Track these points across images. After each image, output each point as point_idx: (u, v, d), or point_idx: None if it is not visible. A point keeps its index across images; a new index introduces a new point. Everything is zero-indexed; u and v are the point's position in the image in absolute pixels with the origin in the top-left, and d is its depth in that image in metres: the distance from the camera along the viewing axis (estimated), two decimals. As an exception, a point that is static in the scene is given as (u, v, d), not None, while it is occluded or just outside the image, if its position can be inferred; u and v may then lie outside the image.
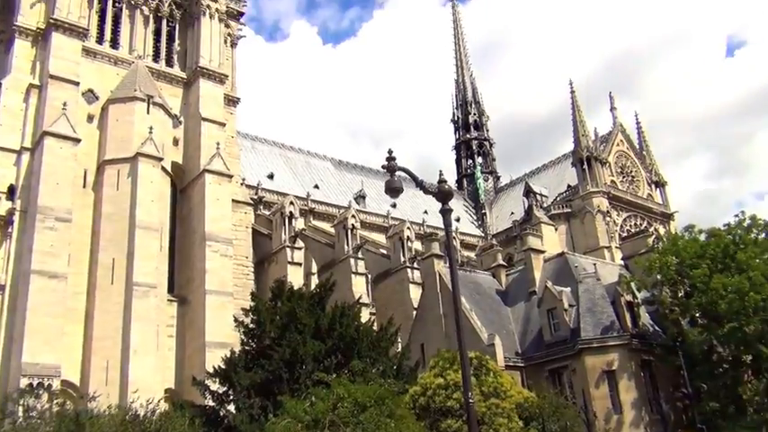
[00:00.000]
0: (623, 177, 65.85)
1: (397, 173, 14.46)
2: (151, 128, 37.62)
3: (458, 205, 68.12)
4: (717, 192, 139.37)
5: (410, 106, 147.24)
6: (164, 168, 38.47)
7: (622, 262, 42.29)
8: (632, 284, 33.43)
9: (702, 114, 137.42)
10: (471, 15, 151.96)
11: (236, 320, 28.87)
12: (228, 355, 24.58)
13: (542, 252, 39.20)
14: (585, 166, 61.43)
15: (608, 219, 59.70)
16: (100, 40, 40.39)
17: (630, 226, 61.87)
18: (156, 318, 34.75)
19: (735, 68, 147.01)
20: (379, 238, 52.17)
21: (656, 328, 33.67)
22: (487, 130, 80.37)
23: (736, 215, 34.01)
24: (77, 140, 35.54)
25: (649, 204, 65.97)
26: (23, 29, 37.74)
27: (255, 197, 49.16)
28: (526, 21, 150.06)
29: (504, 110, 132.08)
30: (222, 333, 34.69)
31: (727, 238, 32.53)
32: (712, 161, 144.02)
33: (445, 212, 14.40)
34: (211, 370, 24.62)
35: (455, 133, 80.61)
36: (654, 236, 45.69)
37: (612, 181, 63.70)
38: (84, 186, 36.56)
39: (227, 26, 45.45)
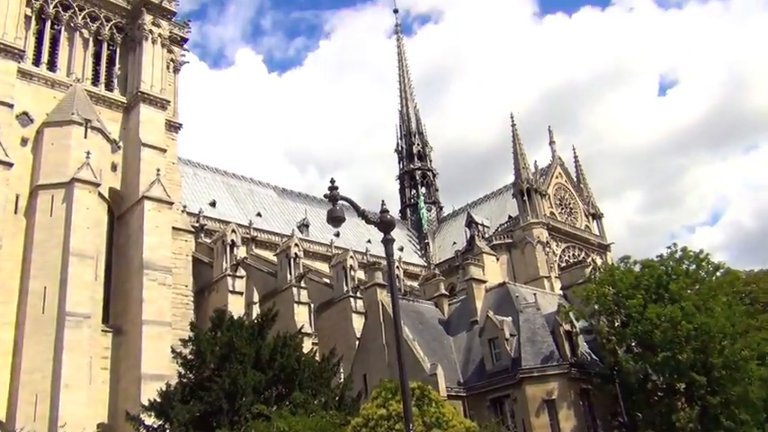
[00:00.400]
0: (562, 209, 67.55)
1: (340, 202, 14.47)
2: (88, 152, 36.59)
3: (401, 235, 68.45)
4: (651, 224, 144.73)
5: (356, 136, 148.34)
6: (101, 194, 37.40)
7: (561, 292, 43.05)
8: (571, 314, 34.02)
9: (638, 149, 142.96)
10: (417, 48, 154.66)
11: (173, 351, 28.19)
12: (165, 388, 23.81)
13: (484, 282, 39.61)
14: (526, 198, 62.79)
15: (548, 249, 61.00)
16: (37, 61, 39.29)
17: (569, 256, 63.31)
18: (89, 349, 33.44)
19: (667, 106, 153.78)
20: (323, 267, 51.84)
21: (594, 357, 34.26)
22: (431, 161, 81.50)
23: (669, 247, 35.29)
24: (10, 164, 34.29)
25: (587, 236, 67.78)
26: (-45, 48, 36.46)
27: (197, 225, 48.33)
28: (470, 54, 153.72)
29: (448, 141, 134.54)
30: (159, 365, 33.69)
31: (660, 269, 33.57)
32: (647, 194, 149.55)
33: (387, 242, 14.43)
34: (147, 403, 23.80)
35: (399, 163, 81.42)
36: (591, 266, 46.72)
37: (552, 212, 65.24)
38: (16, 212, 35.18)
39: (170, 51, 44.90)
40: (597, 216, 70.59)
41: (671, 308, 30.18)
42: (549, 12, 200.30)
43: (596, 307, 33.62)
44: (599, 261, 63.56)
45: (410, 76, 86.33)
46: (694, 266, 34.47)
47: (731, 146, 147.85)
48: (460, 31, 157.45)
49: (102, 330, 36.09)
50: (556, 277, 55.68)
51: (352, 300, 42.00)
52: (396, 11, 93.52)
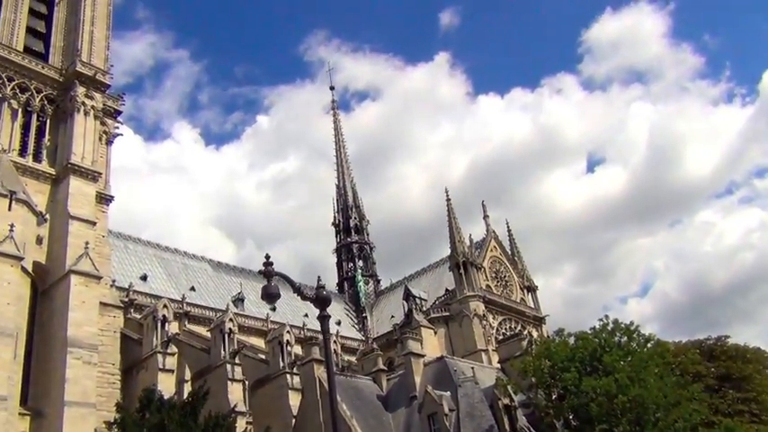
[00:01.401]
0: (498, 282, 68.43)
1: (276, 277, 14.28)
2: (12, 225, 35.08)
3: (339, 308, 67.77)
4: (585, 296, 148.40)
5: (294, 209, 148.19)
6: (24, 269, 35.77)
7: (499, 365, 43.14)
8: (509, 388, 34.01)
9: (570, 224, 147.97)
10: (355, 124, 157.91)
11: None
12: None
13: (422, 356, 39.41)
14: (462, 271, 63.42)
15: (484, 322, 61.34)
16: (-40, 131, 38.08)
17: (506, 329, 63.80)
18: (4, 434, 31.29)
19: (595, 183, 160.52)
20: (259, 342, 50.52)
21: (533, 431, 34.13)
22: (368, 234, 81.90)
23: (601, 319, 35.99)
24: (-75, 238, 32.61)
25: (522, 308, 68.62)
26: None
27: (126, 300, 46.62)
28: (407, 130, 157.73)
29: (386, 215, 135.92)
30: (81, 450, 31.81)
31: (594, 341, 34.11)
32: (580, 267, 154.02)
33: (323, 319, 14.24)
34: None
35: (336, 237, 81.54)
36: (527, 339, 47.15)
37: (488, 285, 65.99)
38: (-70, 287, 33.26)
39: (103, 123, 44.16)
40: (532, 289, 71.78)
41: (606, 380, 30.54)
42: (482, 92, 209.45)
43: (533, 380, 33.77)
44: (535, 333, 64.28)
45: (347, 152, 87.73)
46: (626, 338, 35.18)
47: (657, 220, 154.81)
48: (397, 108, 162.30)
49: (20, 413, 33.78)
50: (493, 350, 55.92)
51: (288, 376, 40.80)
52: (332, 88, 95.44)
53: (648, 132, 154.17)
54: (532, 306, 70.44)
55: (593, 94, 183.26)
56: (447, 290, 65.78)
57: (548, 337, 44.67)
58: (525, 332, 61.24)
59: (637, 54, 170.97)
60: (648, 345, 36.42)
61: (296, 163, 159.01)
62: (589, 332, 35.33)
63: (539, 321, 69.16)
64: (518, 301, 69.17)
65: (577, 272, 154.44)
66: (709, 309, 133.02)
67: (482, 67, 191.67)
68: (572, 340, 35.28)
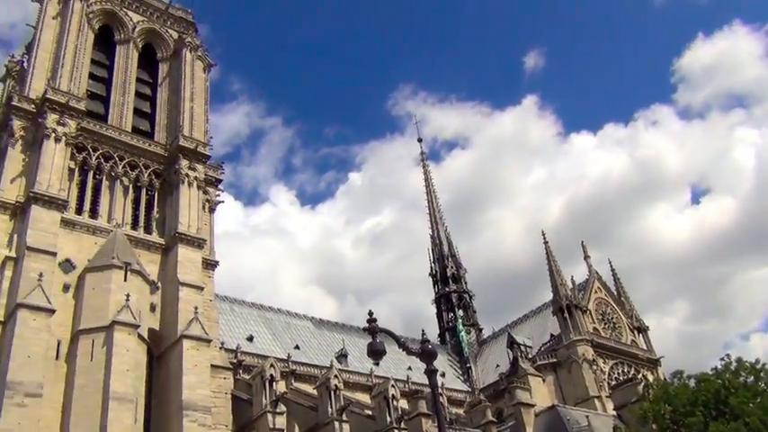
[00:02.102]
0: (605, 324, 65.71)
1: (379, 333, 14.30)
2: (128, 295, 37.03)
3: (442, 360, 66.84)
4: (702, 334, 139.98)
5: (392, 261, 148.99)
6: (140, 336, 37.43)
7: (614, 412, 41.12)
8: (628, 436, 32.29)
9: (678, 259, 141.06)
10: (446, 173, 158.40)
11: None
12: None
13: (532, 406, 38.21)
14: (566, 315, 61.41)
15: (595, 367, 58.81)
16: (79, 210, 40.83)
17: (618, 373, 60.89)
18: (126, 498, 32.32)
19: (702, 214, 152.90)
20: (364, 397, 50.39)
21: (657, 481, 32.11)
22: (466, 283, 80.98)
23: (722, 358, 33.67)
24: (52, 311, 34.76)
25: (634, 350, 65.40)
26: (2, 203, 38.14)
27: (235, 361, 47.78)
28: (499, 175, 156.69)
29: (482, 262, 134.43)
30: None
31: (717, 382, 31.95)
32: (694, 304, 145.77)
33: (431, 373, 14.12)
34: None
35: (434, 287, 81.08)
36: (643, 383, 44.80)
37: (595, 328, 63.50)
38: (57, 358, 35.21)
39: (206, 192, 46.40)
40: (642, 329, 68.37)
41: (734, 424, 28.43)
42: (574, 130, 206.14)
43: (654, 427, 31.92)
44: (650, 377, 60.93)
45: (439, 201, 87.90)
46: (752, 378, 32.74)
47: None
48: (487, 154, 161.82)
49: (141, 477, 34.98)
50: (607, 396, 53.35)
51: (396, 431, 40.36)
52: (420, 140, 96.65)
53: (756, 157, 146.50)
54: (645, 348, 66.98)
55: (691, 123, 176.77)
56: (552, 335, 63.75)
57: (664, 380, 42.18)
58: (639, 376, 58.16)
59: (734, 78, 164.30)
60: (779, 384, 33.73)
61: (390, 216, 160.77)
62: (710, 373, 33.14)
63: (653, 364, 65.54)
64: (629, 343, 66.00)
65: (691, 309, 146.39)
66: None
67: (571, 105, 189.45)
68: (692, 382, 33.19)
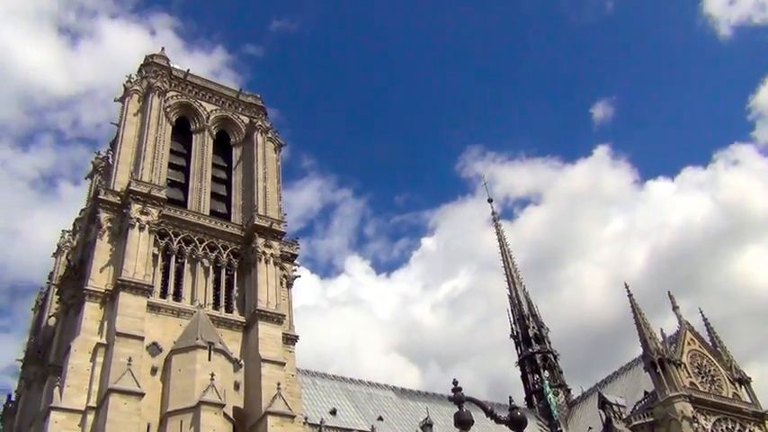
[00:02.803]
0: (702, 378, 62.03)
1: (465, 402, 14.00)
2: (213, 374, 37.60)
3: (531, 424, 63.55)
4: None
5: (472, 325, 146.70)
6: (225, 414, 37.76)
7: (723, 473, 38.39)
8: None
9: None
10: (521, 231, 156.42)
11: None
12: None
13: (631, 470, 36.05)
14: (660, 370, 58.41)
15: (695, 425, 55.26)
16: (163, 294, 42.27)
17: (722, 430, 57.07)
18: None
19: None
20: (452, 469, 48.93)
21: None
22: (549, 342, 78.59)
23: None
24: (141, 395, 35.66)
25: (737, 404, 61.20)
26: (93, 292, 39.89)
27: (319, 436, 47.50)
28: (575, 229, 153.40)
29: (566, 320, 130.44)
30: None
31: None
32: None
33: (522, 441, 13.58)
34: None
35: (516, 348, 79.03)
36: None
37: (692, 383, 59.99)
38: (148, 441, 35.95)
39: (282, 268, 47.32)
40: (744, 381, 64.07)
41: None
42: (650, 177, 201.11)
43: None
44: (758, 432, 56.89)
45: (514, 261, 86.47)
46: None
47: None
48: (562, 208, 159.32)
49: None
50: (713, 456, 49.97)
51: (488, 503, 38.87)
52: (490, 200, 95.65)
53: None
54: (749, 401, 62.63)
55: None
56: (646, 393, 60.55)
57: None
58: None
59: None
60: None
61: (467, 279, 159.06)
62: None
63: (760, 418, 60.98)
64: (730, 396, 61.88)
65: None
66: None
67: (645, 152, 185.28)
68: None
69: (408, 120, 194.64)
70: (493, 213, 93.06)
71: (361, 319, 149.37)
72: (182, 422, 36.08)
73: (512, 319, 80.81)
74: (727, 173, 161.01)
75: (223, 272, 45.44)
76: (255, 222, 46.84)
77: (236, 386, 40.78)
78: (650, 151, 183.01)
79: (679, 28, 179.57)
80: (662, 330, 62.32)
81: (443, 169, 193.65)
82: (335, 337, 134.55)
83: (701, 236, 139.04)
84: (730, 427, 58.01)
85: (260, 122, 54.79)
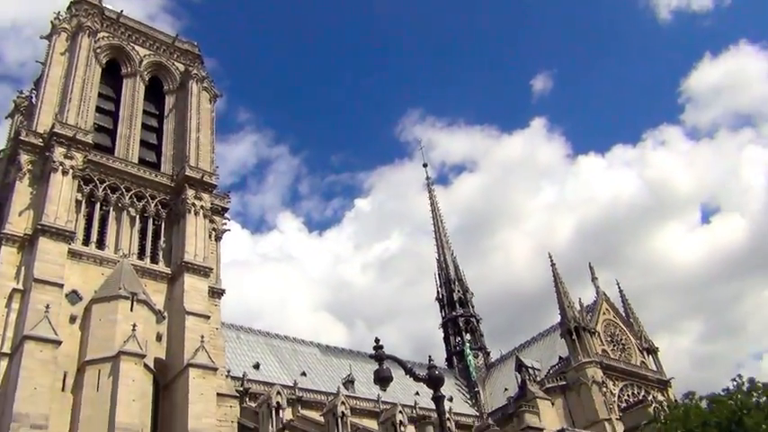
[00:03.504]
0: (614, 346, 65.29)
1: (386, 360, 14.37)
2: (134, 325, 37.04)
3: (450, 384, 66.47)
4: (714, 354, 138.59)
5: (400, 286, 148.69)
6: (146, 365, 37.37)
7: (625, 435, 40.76)
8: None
9: (689, 279, 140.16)
10: (455, 196, 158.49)
11: None
12: None
13: (541, 429, 37.95)
14: (575, 337, 61.08)
15: (604, 389, 58.30)
16: (86, 241, 41.06)
17: (628, 395, 60.33)
18: None
19: (712, 234, 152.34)
20: (371, 424, 49.92)
21: (670, 505, 31.68)
22: (473, 307, 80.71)
23: (734, 379, 33.34)
24: (58, 343, 34.82)
25: (644, 372, 64.85)
26: (10, 236, 38.41)
27: (241, 389, 47.58)
28: (506, 198, 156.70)
29: (492, 286, 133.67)
30: None
31: (730, 403, 31.64)
32: (705, 324, 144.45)
33: (438, 400, 14.16)
34: None
35: (441, 311, 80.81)
36: (653, 405, 44.44)
37: (604, 350, 63.07)
38: (64, 389, 35.15)
39: (212, 221, 46.66)
40: (652, 350, 67.82)
41: (747, 446, 28.11)
42: (582, 152, 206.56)
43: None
44: (660, 398, 60.39)
45: (445, 226, 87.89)
46: (765, 398, 32.39)
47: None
48: (496, 177, 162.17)
49: (147, 508, 34.74)
50: (617, 419, 52.91)
51: (404, 458, 40.08)
52: (425, 165, 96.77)
53: (765, 176, 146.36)
54: (655, 369, 66.37)
55: (699, 143, 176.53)
56: (561, 358, 63.35)
57: (675, 401, 41.80)
58: (650, 398, 57.69)
59: (742, 97, 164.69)
60: (791, 405, 33.34)
61: (399, 241, 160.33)
62: (723, 394, 32.82)
63: (663, 385, 64.87)
64: (638, 364, 65.44)
65: (703, 329, 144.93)
66: None
67: (580, 127, 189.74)
68: (704, 404, 32.86)
69: (350, 79, 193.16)
70: (427, 178, 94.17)
71: (291, 276, 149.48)
72: (100, 371, 35.54)
73: (438, 282, 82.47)
74: (654, 152, 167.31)
75: (150, 222, 44.45)
76: (186, 173, 45.86)
77: (159, 337, 40.36)
78: (584, 126, 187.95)
79: (621, 8, 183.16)
80: (580, 300, 65.17)
81: (382, 131, 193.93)
82: (265, 292, 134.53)
83: (626, 211, 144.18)
84: (636, 392, 61.42)
85: (196, 71, 53.24)
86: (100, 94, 48.71)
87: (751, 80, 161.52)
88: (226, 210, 48.70)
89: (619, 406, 56.31)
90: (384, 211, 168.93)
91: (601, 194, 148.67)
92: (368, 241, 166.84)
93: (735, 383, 32.83)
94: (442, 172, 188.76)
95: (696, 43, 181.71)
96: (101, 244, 41.64)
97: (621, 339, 66.57)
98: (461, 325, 78.31)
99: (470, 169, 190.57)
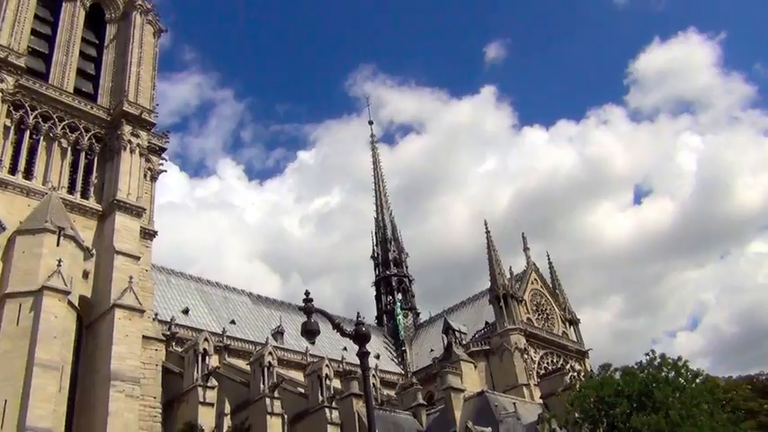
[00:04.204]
0: (539, 315, 67.37)
1: (315, 313, 14.39)
2: (60, 260, 35.89)
3: (377, 342, 67.50)
4: (633, 330, 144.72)
5: (338, 242, 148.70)
6: (70, 303, 36.39)
7: (541, 401, 42.29)
8: (553, 423, 33.25)
9: (616, 256, 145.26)
10: (399, 157, 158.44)
11: None
12: None
13: (462, 391, 38.93)
14: (502, 304, 62.65)
15: (526, 356, 60.29)
16: (13, 170, 39.24)
17: (548, 363, 62.56)
18: (48, 467, 31.55)
19: (642, 215, 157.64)
20: (298, 375, 50.50)
21: (577, 468, 33.19)
22: (407, 267, 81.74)
23: (647, 354, 34.98)
24: (-23, 274, 33.61)
25: (565, 342, 67.31)
26: (-71, 156, 36.52)
27: (168, 333, 47.10)
28: (450, 163, 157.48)
29: (429, 248, 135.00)
30: (123, 482, 31.94)
31: (641, 375, 33.18)
32: (628, 301, 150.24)
33: (363, 356, 14.26)
34: None
35: (375, 270, 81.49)
36: (570, 373, 46.18)
37: (529, 318, 65.01)
38: (-19, 322, 34.09)
39: (148, 160, 45.30)
40: (574, 322, 70.42)
41: (656, 417, 29.59)
42: (528, 124, 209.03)
43: (577, 416, 32.93)
44: (578, 367, 62.91)
45: (385, 184, 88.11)
46: (673, 373, 34.09)
47: (707, 252, 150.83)
48: (442, 140, 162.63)
49: (64, 446, 34.22)
50: (535, 385, 54.84)
51: (327, 411, 40.61)
52: (371, 122, 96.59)
53: (697, 163, 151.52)
54: (575, 339, 69.03)
55: (640, 126, 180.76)
56: (487, 323, 65.03)
57: (591, 371, 43.60)
58: (568, 366, 60.01)
59: (685, 84, 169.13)
60: (697, 380, 35.27)
61: (340, 196, 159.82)
62: (635, 367, 34.41)
63: (581, 355, 67.62)
64: (560, 334, 67.88)
65: (625, 305, 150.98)
66: (763, 342, 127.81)
67: (528, 99, 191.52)
68: (617, 375, 34.40)
69: (303, 27, 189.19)
70: (372, 135, 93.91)
71: (229, 223, 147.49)
72: (21, 305, 34.41)
73: (374, 240, 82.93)
74: (596, 130, 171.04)
75: (82, 155, 42.78)
76: (124, 108, 44.09)
77: (85, 275, 39.29)
78: (532, 99, 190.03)
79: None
80: (510, 268, 66.75)
81: (332, 84, 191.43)
82: (200, 238, 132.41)
83: (563, 186, 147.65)
84: (555, 360, 63.74)
85: (140, 1, 50.80)
86: (36, 17, 46.01)
87: (695, 68, 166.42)
88: (163, 150, 47.34)
89: (538, 373, 58.35)
90: (327, 165, 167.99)
91: (541, 167, 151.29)
92: (309, 194, 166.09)
93: (648, 357, 34.56)
94: (389, 131, 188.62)
95: (647, 26, 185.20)
96: (29, 174, 39.89)
97: (546, 309, 68.72)
98: (394, 284, 79.31)
99: (417, 131, 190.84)
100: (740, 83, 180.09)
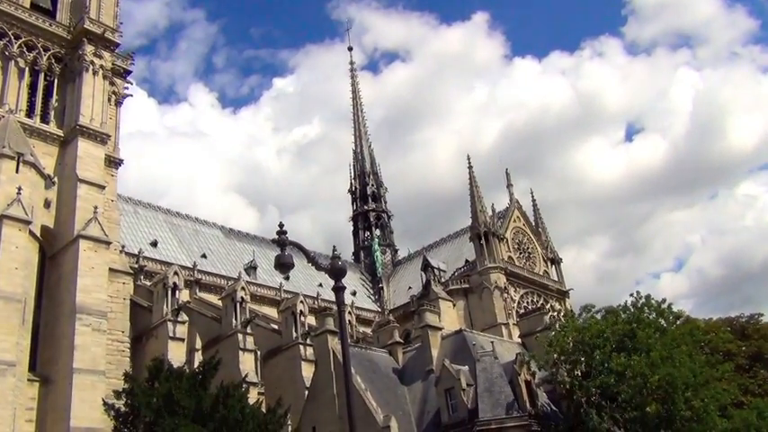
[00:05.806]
0: (520, 254, 66.64)
1: (290, 246, 13.07)
2: (20, 188, 34.11)
3: (354, 279, 66.62)
4: (617, 270, 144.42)
5: (316, 175, 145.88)
6: (32, 233, 34.86)
7: (520, 340, 41.83)
8: (531, 363, 32.77)
9: (604, 195, 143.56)
10: (383, 86, 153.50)
11: (105, 404, 26.82)
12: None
13: (440, 329, 38.20)
14: (483, 242, 61.70)
15: (506, 295, 59.80)
16: (-35, 91, 36.83)
17: (528, 302, 62.21)
18: (13, 400, 30.51)
19: (633, 153, 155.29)
20: (271, 312, 49.55)
21: (554, 408, 32.95)
22: (385, 202, 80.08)
23: (632, 295, 34.33)
24: (-71, 200, 31.61)
25: (545, 281, 66.87)
26: None
27: (136, 266, 45.70)
28: (437, 93, 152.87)
29: (411, 183, 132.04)
30: (91, 417, 31.13)
31: (624, 316, 32.65)
32: (613, 240, 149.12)
33: (338, 290, 12.99)
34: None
35: (353, 204, 79.82)
36: (550, 313, 45.72)
37: (510, 257, 64.27)
38: (-64, 252, 32.34)
39: (112, 84, 42.76)
40: (556, 261, 69.80)
41: (637, 358, 29.08)
42: (519, 54, 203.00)
43: (556, 356, 32.47)
44: (558, 307, 62.68)
45: (365, 115, 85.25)
46: (655, 315, 33.62)
47: (696, 193, 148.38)
48: (429, 70, 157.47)
49: (29, 379, 33.18)
50: (514, 324, 54.50)
51: (301, 347, 39.97)
52: (350, 48, 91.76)
53: (692, 101, 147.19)
54: (556, 279, 68.60)
55: (636, 59, 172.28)
56: (467, 261, 64.22)
57: (571, 311, 43.19)
58: (548, 306, 59.65)
59: (685, 16, 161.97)
60: (678, 322, 34.94)
61: (320, 127, 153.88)
62: (618, 308, 33.82)
63: (562, 295, 67.28)
64: (541, 273, 67.33)
65: (610, 245, 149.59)
66: (745, 285, 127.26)
67: (521, 28, 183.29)
68: (599, 316, 33.83)
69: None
70: (351, 62, 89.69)
71: (201, 153, 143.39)
72: (-22, 235, 32.75)
73: (353, 174, 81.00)
74: (591, 63, 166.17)
75: (41, 77, 40.17)
76: (85, 26, 41.19)
77: (47, 204, 37.47)
78: (526, 28, 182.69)
79: None
80: (493, 205, 65.40)
81: (313, 6, 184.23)
82: (171, 169, 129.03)
83: (553, 121, 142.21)
84: (535, 300, 63.42)
85: None
86: (-11, -76, 42.50)
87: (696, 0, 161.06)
88: (129, 72, 44.77)
89: (518, 312, 57.92)
90: (307, 93, 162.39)
91: (531, 101, 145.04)
92: (287, 124, 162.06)
93: (632, 299, 33.96)
94: (373, 58, 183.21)
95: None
96: (-18, 96, 37.43)
97: (528, 248, 68.02)
98: (372, 220, 77.95)
99: (403, 59, 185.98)
100: (743, 15, 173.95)
